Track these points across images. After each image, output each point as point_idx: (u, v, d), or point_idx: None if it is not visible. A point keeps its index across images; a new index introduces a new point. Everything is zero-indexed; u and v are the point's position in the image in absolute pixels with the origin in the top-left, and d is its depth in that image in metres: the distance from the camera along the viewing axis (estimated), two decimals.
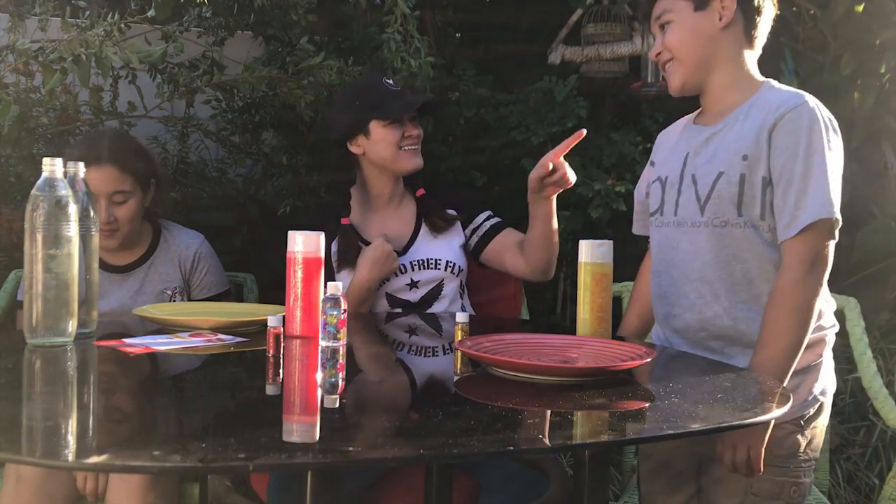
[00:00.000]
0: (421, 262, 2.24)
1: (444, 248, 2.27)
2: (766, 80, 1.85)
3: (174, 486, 2.04)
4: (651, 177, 1.99)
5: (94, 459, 1.02)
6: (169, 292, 2.29)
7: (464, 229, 2.31)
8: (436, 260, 2.24)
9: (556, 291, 3.33)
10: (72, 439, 1.10)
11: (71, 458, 1.05)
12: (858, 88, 3.11)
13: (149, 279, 2.29)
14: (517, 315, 2.49)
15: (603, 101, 3.49)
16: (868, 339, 2.22)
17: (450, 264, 2.24)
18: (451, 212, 2.31)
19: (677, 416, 1.31)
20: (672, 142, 1.96)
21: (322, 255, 1.73)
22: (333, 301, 1.59)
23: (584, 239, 1.74)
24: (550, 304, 3.34)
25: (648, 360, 1.45)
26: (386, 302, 2.23)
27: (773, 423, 1.69)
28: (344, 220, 2.24)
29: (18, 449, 1.05)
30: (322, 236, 1.74)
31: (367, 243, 2.21)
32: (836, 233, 1.71)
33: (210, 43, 2.82)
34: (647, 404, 1.36)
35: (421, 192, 2.33)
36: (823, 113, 1.73)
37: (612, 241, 1.73)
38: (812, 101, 1.74)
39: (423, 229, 2.29)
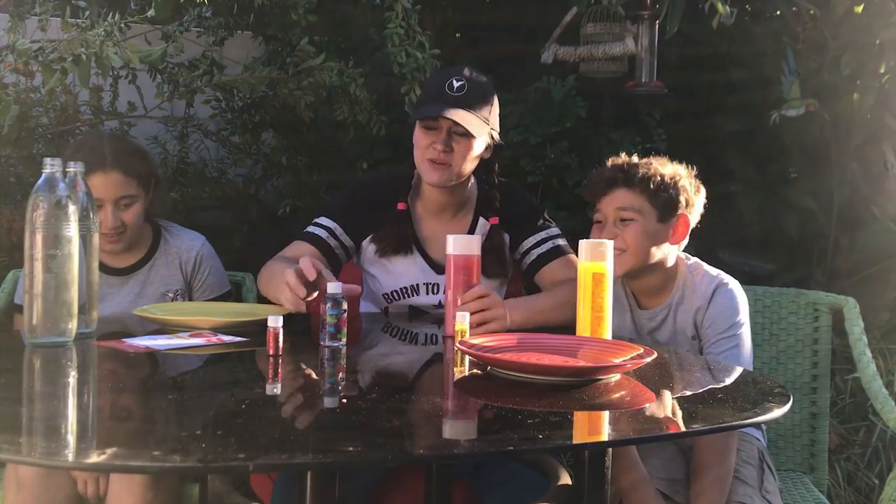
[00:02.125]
0: None
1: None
2: (687, 260, 2.06)
3: (174, 486, 2.03)
4: None
5: (93, 459, 1.02)
6: (170, 295, 2.27)
7: (512, 251, 2.17)
8: None
9: None
10: (72, 439, 1.10)
11: (71, 458, 1.05)
12: (858, 88, 3.12)
13: (150, 281, 2.26)
14: None
15: (602, 101, 3.49)
16: (868, 339, 2.22)
17: None
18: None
19: (677, 416, 1.31)
20: (616, 321, 1.95)
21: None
22: (333, 301, 1.59)
23: (583, 239, 1.74)
24: None
25: (648, 359, 1.45)
26: (408, 308, 2.17)
27: None
28: (400, 205, 2.11)
29: (18, 449, 1.05)
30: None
31: (416, 238, 2.11)
32: None
33: (210, 43, 2.82)
34: (647, 404, 1.36)
35: (494, 220, 2.13)
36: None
37: (612, 242, 1.73)
38: (732, 282, 2.03)
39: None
